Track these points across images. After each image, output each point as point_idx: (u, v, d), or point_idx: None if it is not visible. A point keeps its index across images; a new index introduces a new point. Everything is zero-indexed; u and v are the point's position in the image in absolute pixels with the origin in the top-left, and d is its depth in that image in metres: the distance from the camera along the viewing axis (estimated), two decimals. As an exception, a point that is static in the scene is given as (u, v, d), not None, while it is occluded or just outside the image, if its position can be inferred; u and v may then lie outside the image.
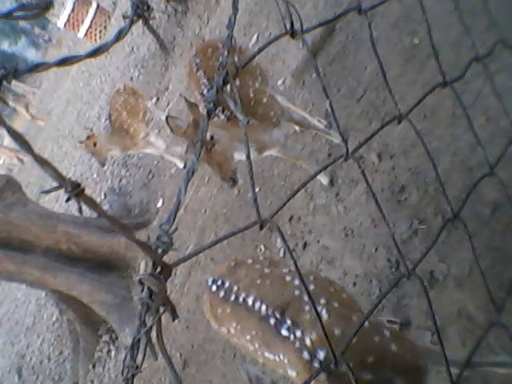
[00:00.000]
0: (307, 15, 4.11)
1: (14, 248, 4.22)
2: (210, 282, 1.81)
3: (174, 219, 0.66)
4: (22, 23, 31.57)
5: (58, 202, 8.49)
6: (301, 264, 2.87)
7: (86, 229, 4.44)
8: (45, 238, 4.23)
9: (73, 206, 7.17)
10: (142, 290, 0.59)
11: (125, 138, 4.42)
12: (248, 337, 1.69)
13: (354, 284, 2.51)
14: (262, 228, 0.78)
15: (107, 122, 4.57)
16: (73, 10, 11.28)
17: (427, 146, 1.09)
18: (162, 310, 0.58)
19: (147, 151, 4.85)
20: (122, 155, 5.31)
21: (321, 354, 1.42)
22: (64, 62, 0.65)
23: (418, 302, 2.21)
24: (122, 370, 0.60)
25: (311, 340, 1.45)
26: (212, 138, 2.13)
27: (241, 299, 1.69)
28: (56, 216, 4.67)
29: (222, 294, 1.76)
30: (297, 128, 3.30)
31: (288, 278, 1.69)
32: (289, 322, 1.53)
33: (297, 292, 1.60)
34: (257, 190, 3.75)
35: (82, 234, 4.32)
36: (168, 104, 6.46)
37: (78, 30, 11.67)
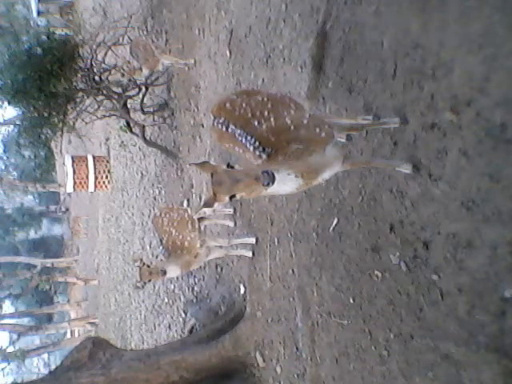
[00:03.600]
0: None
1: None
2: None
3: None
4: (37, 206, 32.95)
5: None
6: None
7: (186, 350, 4.13)
8: (154, 379, 3.93)
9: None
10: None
11: (183, 255, 4.22)
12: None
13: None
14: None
15: (161, 248, 4.45)
16: (74, 172, 11.61)
17: None
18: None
19: (211, 258, 4.60)
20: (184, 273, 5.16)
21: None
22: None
23: None
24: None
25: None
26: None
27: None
28: (154, 352, 4.42)
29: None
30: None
31: None
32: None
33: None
34: (335, 222, 3.40)
35: (185, 356, 4.00)
36: (201, 198, 6.31)
37: (88, 187, 11.99)
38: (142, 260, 3.99)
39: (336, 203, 3.36)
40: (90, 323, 16.14)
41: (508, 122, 2.09)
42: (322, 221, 3.54)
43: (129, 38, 7.37)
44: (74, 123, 7.34)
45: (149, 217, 8.82)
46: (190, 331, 5.66)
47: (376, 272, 2.95)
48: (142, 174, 9.76)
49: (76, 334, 19.84)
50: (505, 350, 2.09)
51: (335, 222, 3.37)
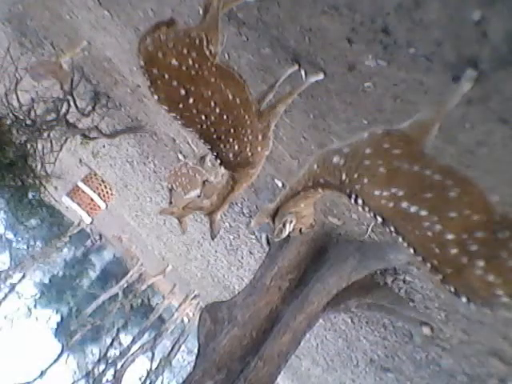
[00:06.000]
0: None
1: None
2: None
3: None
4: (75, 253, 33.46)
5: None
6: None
7: (276, 259, 4.39)
8: (272, 296, 4.21)
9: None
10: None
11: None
12: None
13: None
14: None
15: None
16: (79, 205, 11.79)
17: None
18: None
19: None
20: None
21: None
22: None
23: None
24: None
25: None
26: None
27: None
28: (256, 280, 4.68)
29: None
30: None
31: None
32: None
33: None
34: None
35: (280, 265, 4.26)
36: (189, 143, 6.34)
37: (99, 206, 12.16)
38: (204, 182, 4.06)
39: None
40: (192, 299, 16.99)
41: None
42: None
43: (21, 69, 7.09)
44: (46, 172, 7.33)
45: (163, 188, 8.97)
46: (268, 243, 5.94)
47: (366, 84, 3.00)
48: (128, 162, 9.78)
49: (191, 315, 20.91)
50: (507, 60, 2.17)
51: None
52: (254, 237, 6.80)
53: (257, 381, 3.86)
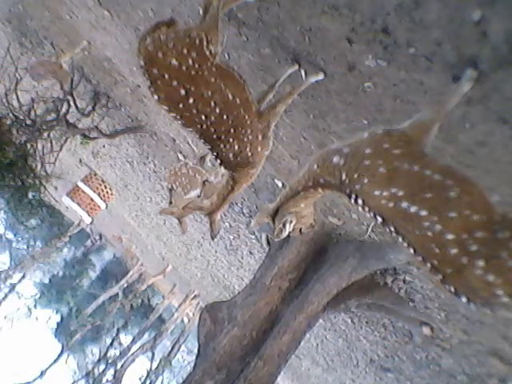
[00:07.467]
0: None
1: None
2: None
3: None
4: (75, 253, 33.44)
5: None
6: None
7: (276, 259, 4.39)
8: (272, 296, 4.22)
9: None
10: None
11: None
12: None
13: None
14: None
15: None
16: (79, 205, 11.79)
17: None
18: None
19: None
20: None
21: None
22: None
23: None
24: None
25: None
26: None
27: None
28: (256, 280, 4.70)
29: None
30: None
31: None
32: None
33: None
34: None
35: (280, 265, 4.27)
36: (189, 143, 6.34)
37: (99, 207, 12.15)
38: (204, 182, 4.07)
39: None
40: (192, 299, 16.99)
41: None
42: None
43: (21, 69, 7.11)
44: (46, 172, 7.34)
45: (163, 188, 8.97)
46: (268, 243, 5.95)
47: (366, 84, 3.00)
48: (128, 162, 9.77)
49: (191, 315, 20.94)
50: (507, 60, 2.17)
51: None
52: (253, 237, 6.80)
53: (257, 381, 3.87)
